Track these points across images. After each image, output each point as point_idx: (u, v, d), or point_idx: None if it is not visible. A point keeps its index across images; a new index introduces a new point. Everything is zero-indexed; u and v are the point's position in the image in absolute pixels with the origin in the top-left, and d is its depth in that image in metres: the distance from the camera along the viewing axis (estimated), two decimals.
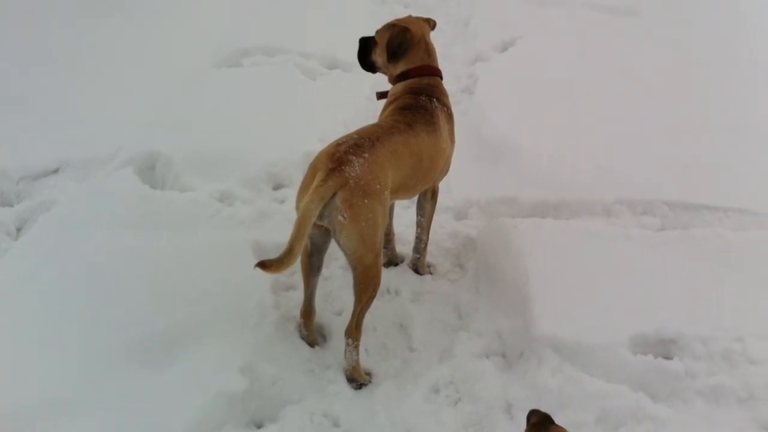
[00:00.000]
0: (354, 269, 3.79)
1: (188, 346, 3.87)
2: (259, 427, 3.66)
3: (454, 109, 4.49)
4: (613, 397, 3.56)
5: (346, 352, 3.95)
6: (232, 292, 4.22)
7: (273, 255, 4.42)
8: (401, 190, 4.05)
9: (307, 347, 4.13)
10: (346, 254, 3.76)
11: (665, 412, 3.51)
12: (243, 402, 3.67)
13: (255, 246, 4.60)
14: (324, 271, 4.44)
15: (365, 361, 4.06)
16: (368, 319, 4.07)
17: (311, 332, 4.16)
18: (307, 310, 4.13)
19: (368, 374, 4.02)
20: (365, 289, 3.84)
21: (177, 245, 4.53)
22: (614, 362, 3.74)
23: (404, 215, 5.16)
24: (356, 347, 3.94)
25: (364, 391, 3.93)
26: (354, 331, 3.91)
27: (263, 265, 3.47)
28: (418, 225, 4.71)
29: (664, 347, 3.85)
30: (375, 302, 4.05)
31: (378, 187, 3.66)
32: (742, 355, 3.76)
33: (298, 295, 4.20)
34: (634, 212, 5.15)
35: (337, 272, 4.61)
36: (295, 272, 4.45)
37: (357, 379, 3.95)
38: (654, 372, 3.70)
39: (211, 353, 3.84)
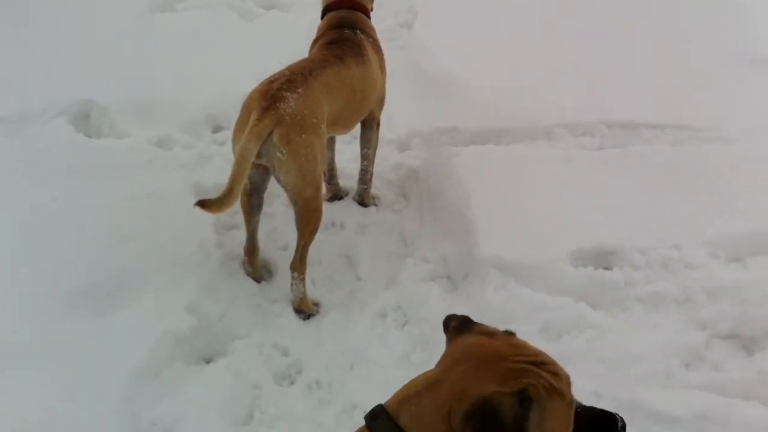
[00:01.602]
0: (295, 204, 3.78)
1: (133, 290, 3.84)
2: (208, 362, 3.66)
3: (394, 45, 4.48)
4: (556, 308, 3.62)
5: (292, 285, 3.96)
6: (175, 234, 4.19)
7: (215, 196, 4.44)
8: (337, 123, 4.03)
9: (252, 283, 4.13)
10: (286, 190, 3.75)
11: (606, 319, 3.59)
12: (191, 340, 3.68)
13: (196, 188, 4.55)
14: (267, 209, 4.42)
15: (312, 293, 4.07)
16: (314, 252, 4.08)
17: (256, 269, 4.16)
18: (251, 248, 4.12)
19: (316, 305, 4.04)
20: (307, 223, 3.84)
21: (116, 192, 4.46)
22: (556, 276, 3.80)
23: (347, 150, 5.14)
24: (302, 280, 3.95)
25: (312, 321, 3.95)
26: (299, 264, 3.92)
27: (203, 204, 3.44)
28: (364, 157, 4.70)
29: (603, 259, 3.92)
30: (320, 236, 4.05)
31: (314, 121, 3.64)
32: (679, 261, 3.84)
33: (241, 234, 4.18)
34: (574, 134, 5.19)
35: (280, 209, 4.59)
36: (236, 212, 4.41)
37: (305, 310, 3.96)
38: (594, 283, 3.77)
39: (156, 295, 3.82)
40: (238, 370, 3.57)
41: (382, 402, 1.70)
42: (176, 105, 5.37)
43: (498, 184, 4.50)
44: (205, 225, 4.29)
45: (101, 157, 4.83)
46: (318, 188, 3.83)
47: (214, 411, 3.32)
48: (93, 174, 4.65)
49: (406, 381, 1.74)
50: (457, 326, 1.82)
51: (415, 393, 1.65)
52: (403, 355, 3.68)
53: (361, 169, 4.73)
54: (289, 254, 4.04)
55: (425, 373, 1.72)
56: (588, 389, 3.09)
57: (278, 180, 3.72)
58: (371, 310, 3.98)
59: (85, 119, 5.21)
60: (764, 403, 2.98)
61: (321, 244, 4.32)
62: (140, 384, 3.40)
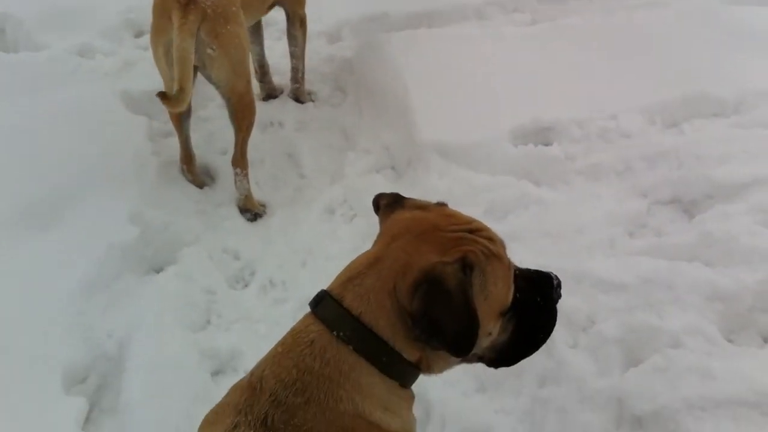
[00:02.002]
0: (228, 100, 3.71)
1: (72, 205, 3.73)
2: (158, 271, 3.62)
3: None
4: (499, 188, 3.65)
5: (236, 182, 3.92)
6: (108, 144, 4.08)
7: (144, 104, 4.32)
8: (250, 6, 3.94)
9: (195, 189, 4.07)
10: (218, 87, 3.67)
11: (549, 194, 3.64)
12: (137, 250, 3.61)
13: (124, 96, 4.42)
14: (201, 113, 4.34)
15: (258, 194, 4.04)
16: (255, 152, 4.03)
17: (196, 175, 4.09)
18: (187, 155, 4.04)
19: (262, 205, 4.01)
20: (243, 117, 3.78)
21: (41, 106, 4.29)
22: (497, 156, 3.83)
23: (277, 47, 5.02)
24: (245, 176, 3.91)
25: (259, 222, 3.93)
26: (240, 160, 3.88)
27: (163, 95, 3.38)
28: (292, 55, 4.60)
29: (543, 135, 3.95)
30: (260, 135, 4.00)
31: (234, 9, 3.55)
32: (616, 131, 3.89)
33: (176, 141, 4.08)
34: (505, 11, 5.16)
35: (215, 112, 4.48)
36: (168, 119, 4.32)
37: (251, 209, 3.94)
38: (535, 159, 3.81)
39: (96, 209, 3.72)
40: (190, 277, 3.55)
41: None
42: (92, 12, 5.16)
43: (432, 67, 4.46)
44: (139, 134, 4.19)
45: (20, 71, 4.63)
46: (249, 81, 3.78)
47: (170, 319, 3.30)
48: (14, 89, 4.46)
49: None
50: (389, 203, 1.84)
51: (357, 273, 1.65)
52: (354, 248, 3.66)
53: (292, 68, 4.64)
54: (229, 157, 3.98)
55: (365, 253, 1.73)
56: (535, 263, 3.12)
57: (209, 78, 3.63)
58: (318, 206, 3.97)
59: (1, 34, 4.97)
60: (707, 263, 3.07)
61: (261, 143, 4.27)
62: (91, 297, 3.34)
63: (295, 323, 1.71)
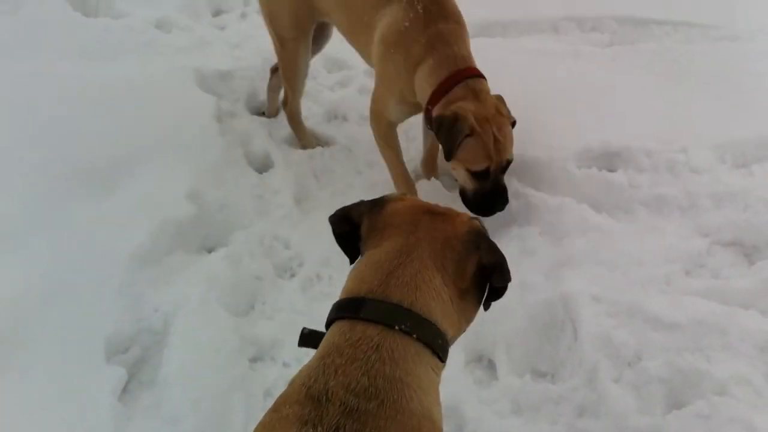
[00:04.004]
0: None
1: (132, 174, 3.78)
2: (209, 251, 3.66)
3: None
4: (558, 210, 3.60)
5: None
6: (174, 119, 4.13)
7: (214, 83, 4.34)
8: None
9: (254, 173, 4.09)
10: None
11: (608, 222, 3.57)
12: (191, 228, 3.64)
13: (195, 73, 4.46)
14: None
15: (311, 186, 4.06)
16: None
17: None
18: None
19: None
20: None
21: (115, 74, 4.37)
22: (559, 177, 3.77)
23: None
24: None
25: (312, 214, 3.92)
26: None
27: None
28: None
29: (608, 160, 3.87)
30: (325, 125, 3.96)
31: None
32: (685, 165, 3.80)
33: (243, 123, 4.11)
34: (582, 29, 5.07)
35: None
36: (238, 99, 4.36)
37: None
38: (598, 184, 3.73)
39: (155, 181, 3.77)
40: (240, 261, 3.57)
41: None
42: None
43: (504, 78, 4.38)
44: (206, 112, 4.23)
45: (98, 37, 4.71)
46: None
47: (215, 300, 3.32)
48: (89, 53, 4.56)
49: None
50: (370, 208, 1.91)
51: (393, 268, 1.73)
52: None
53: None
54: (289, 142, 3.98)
55: (380, 251, 1.79)
56: (587, 292, 3.12)
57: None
58: None
59: None
60: (763, 312, 3.00)
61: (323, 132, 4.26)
62: (142, 269, 3.37)
63: (332, 336, 1.71)
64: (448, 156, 3.39)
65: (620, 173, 3.79)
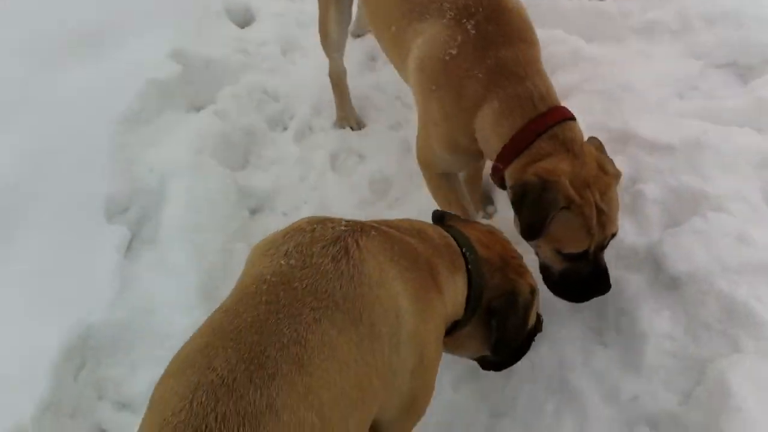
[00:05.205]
0: None
1: (117, 38, 3.73)
2: (198, 110, 3.62)
3: None
4: (550, 43, 3.51)
5: None
6: None
7: None
8: None
9: (236, 27, 4.00)
10: None
11: (600, 51, 3.50)
12: (178, 87, 3.61)
13: None
14: None
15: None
16: None
17: None
18: None
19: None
20: None
21: None
22: (549, 9, 3.67)
23: None
24: None
25: (300, 63, 3.87)
26: None
27: None
28: None
29: None
30: None
31: None
32: None
33: None
34: None
35: None
36: None
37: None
38: (589, 15, 3.66)
39: (139, 43, 3.70)
40: (230, 117, 3.56)
41: None
42: None
43: None
44: None
45: None
46: None
47: (210, 157, 3.33)
48: None
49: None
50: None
51: (478, 236, 2.23)
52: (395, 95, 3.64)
53: None
54: None
55: (476, 226, 2.37)
56: (583, 122, 3.09)
57: None
58: (359, 57, 3.88)
59: None
60: (759, 130, 2.98)
61: None
62: (132, 131, 3.37)
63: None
64: (532, 235, 2.43)
65: (610, 2, 3.70)
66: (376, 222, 1.97)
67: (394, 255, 1.83)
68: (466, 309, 2.09)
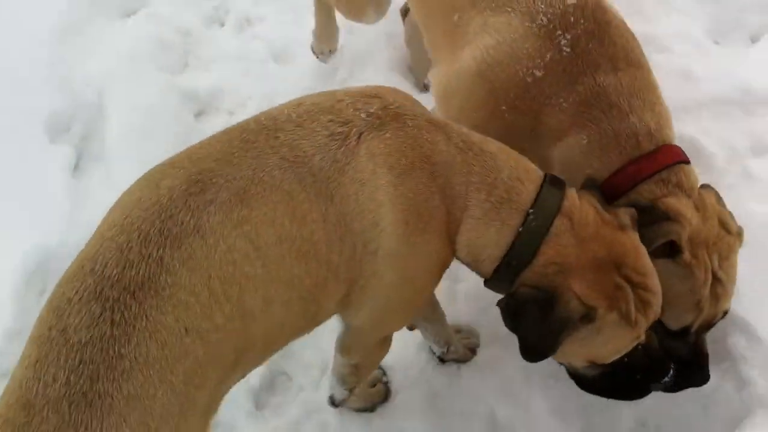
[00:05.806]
0: None
1: None
2: (130, 15, 3.49)
3: None
4: None
5: None
6: None
7: None
8: None
9: None
10: None
11: None
12: None
13: None
14: None
15: None
16: None
17: None
18: None
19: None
20: None
21: None
22: None
23: None
24: None
25: None
26: None
27: None
28: None
29: None
30: None
31: None
32: None
33: None
34: None
35: None
36: None
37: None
38: None
39: None
40: (163, 19, 3.45)
41: None
42: None
43: None
44: None
45: None
46: None
47: (147, 63, 3.24)
48: None
49: None
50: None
51: (577, 214, 1.70)
52: None
53: None
54: None
55: (586, 205, 1.77)
56: None
57: None
58: None
59: None
60: None
61: None
62: (64, 43, 3.27)
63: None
64: None
65: None
66: (453, 127, 1.72)
67: (401, 169, 1.62)
68: (494, 273, 1.75)
